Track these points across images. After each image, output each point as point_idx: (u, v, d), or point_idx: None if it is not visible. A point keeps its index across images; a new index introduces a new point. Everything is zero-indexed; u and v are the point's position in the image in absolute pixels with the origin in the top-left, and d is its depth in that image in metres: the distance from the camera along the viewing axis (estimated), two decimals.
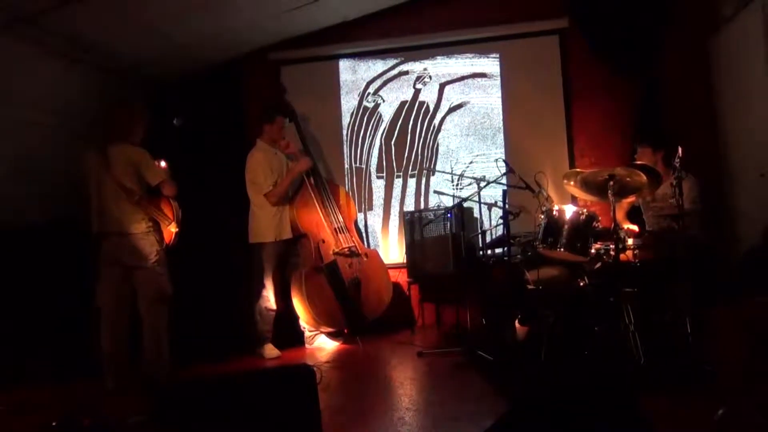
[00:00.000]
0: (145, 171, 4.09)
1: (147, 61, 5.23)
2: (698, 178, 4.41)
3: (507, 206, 4.27)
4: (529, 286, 4.16)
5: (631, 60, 5.53)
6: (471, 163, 5.94)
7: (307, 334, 5.14)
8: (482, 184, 4.72)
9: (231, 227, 5.19)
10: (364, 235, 6.00)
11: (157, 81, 5.65)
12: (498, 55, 5.92)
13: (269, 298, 4.89)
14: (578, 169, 4.36)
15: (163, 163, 4.28)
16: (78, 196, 4.21)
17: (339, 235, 5.15)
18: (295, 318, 5.08)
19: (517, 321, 4.41)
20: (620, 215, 4.68)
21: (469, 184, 5.69)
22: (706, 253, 4.21)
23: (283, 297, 5.05)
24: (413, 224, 5.46)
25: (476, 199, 4.68)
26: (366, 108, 6.12)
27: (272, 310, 4.91)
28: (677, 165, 3.62)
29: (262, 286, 4.87)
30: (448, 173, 5.84)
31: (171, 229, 4.19)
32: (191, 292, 4.79)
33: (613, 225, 3.74)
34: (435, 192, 5.69)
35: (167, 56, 5.32)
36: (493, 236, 5.13)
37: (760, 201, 4.40)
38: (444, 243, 5.27)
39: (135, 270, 4.06)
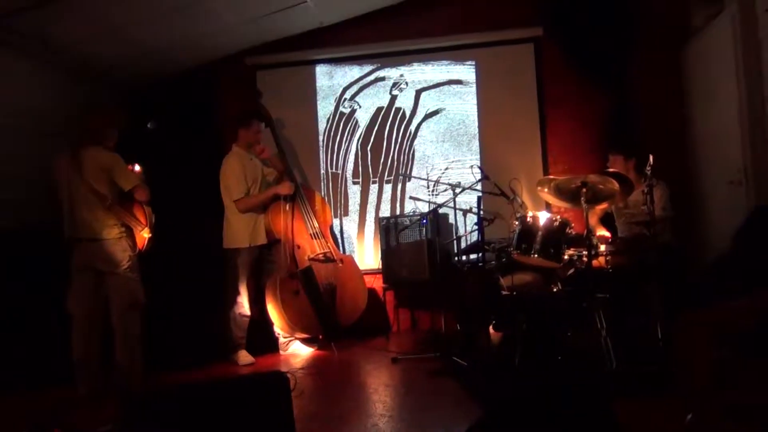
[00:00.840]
0: (118, 176, 4.04)
1: (121, 64, 5.17)
2: (669, 185, 4.49)
3: (482, 212, 4.29)
4: (503, 292, 4.18)
5: (603, 69, 5.61)
6: (446, 169, 5.96)
7: (281, 340, 5.11)
8: (457, 190, 4.74)
9: (205, 233, 5.14)
10: (339, 240, 5.99)
11: (132, 84, 5.59)
12: (474, 63, 5.97)
13: (243, 304, 4.85)
14: (552, 176, 4.41)
15: (137, 168, 4.23)
16: (49, 200, 4.14)
17: (314, 240, 5.13)
18: (270, 324, 5.04)
19: (491, 326, 4.44)
20: (593, 221, 4.75)
21: (445, 190, 5.72)
22: (677, 259, 4.28)
23: (257, 303, 5.01)
24: (389, 230, 5.47)
25: (451, 205, 4.70)
26: (342, 113, 6.11)
27: (246, 316, 4.87)
28: (648, 172, 3.69)
29: (236, 292, 4.83)
30: (423, 179, 5.86)
31: (144, 235, 4.14)
32: (165, 298, 4.74)
33: (585, 231, 3.79)
34: (411, 198, 5.71)
35: (141, 60, 5.27)
36: (468, 242, 5.15)
37: (728, 208, 4.49)
38: (419, 249, 5.28)
39: (107, 276, 4.00)
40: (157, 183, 4.34)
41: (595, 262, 3.92)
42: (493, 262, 4.51)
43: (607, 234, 4.58)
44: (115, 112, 4.26)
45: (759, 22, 4.10)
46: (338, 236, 6.01)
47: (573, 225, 4.14)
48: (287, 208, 4.99)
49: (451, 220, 5.18)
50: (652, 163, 3.69)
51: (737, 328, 2.07)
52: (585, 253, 3.83)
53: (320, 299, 4.95)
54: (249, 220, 4.89)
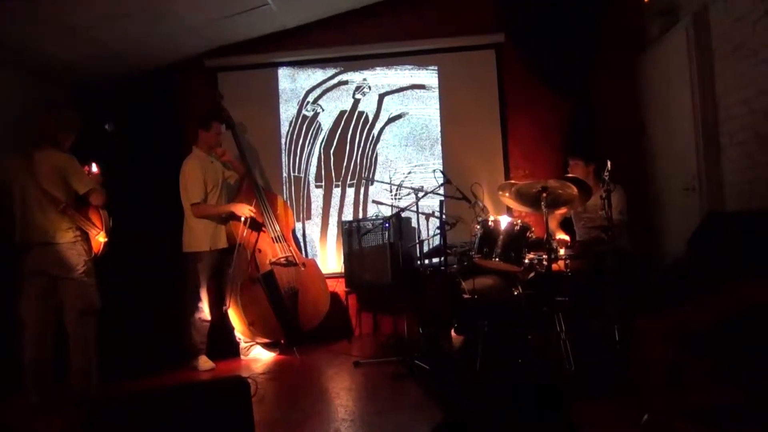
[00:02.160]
0: (73, 179, 3.93)
1: (80, 64, 5.06)
2: (626, 190, 4.59)
3: (444, 216, 4.32)
4: (465, 296, 4.21)
5: (564, 76, 5.72)
6: (409, 173, 5.99)
7: (242, 345, 5.05)
8: (420, 194, 4.76)
9: (164, 236, 5.06)
10: (302, 244, 5.96)
11: (90, 85, 5.46)
12: (436, 68, 6.01)
13: (203, 308, 4.78)
14: (513, 181, 4.47)
15: (94, 168, 4.12)
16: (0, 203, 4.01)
17: (276, 244, 5.09)
18: (231, 329, 4.98)
19: (453, 330, 4.46)
20: (553, 226, 4.82)
21: (407, 194, 5.74)
22: (634, 263, 4.38)
23: (217, 307, 4.95)
24: (351, 234, 5.46)
25: (414, 209, 4.72)
26: (305, 117, 6.08)
27: (206, 321, 4.81)
28: (606, 178, 3.77)
29: (197, 296, 4.76)
30: (386, 183, 5.87)
31: (99, 239, 4.04)
32: (122, 303, 4.66)
33: (546, 235, 3.84)
34: (373, 202, 5.70)
35: (100, 60, 5.16)
36: (430, 246, 5.17)
37: (684, 213, 4.61)
38: (382, 253, 5.29)
39: (61, 281, 3.89)
40: (115, 185, 4.24)
41: (554, 266, 3.97)
42: (455, 266, 4.54)
43: (567, 238, 4.65)
44: (69, 113, 4.15)
45: (712, 34, 4.23)
46: (300, 240, 5.97)
47: (534, 229, 4.19)
48: (245, 222, 4.91)
49: (414, 223, 5.20)
50: (610, 168, 3.77)
51: (691, 330, 2.13)
52: (545, 257, 3.88)
53: (282, 303, 4.91)
54: (209, 223, 4.83)
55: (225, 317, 4.91)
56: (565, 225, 4.97)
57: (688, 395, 2.05)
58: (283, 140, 6.08)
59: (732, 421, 1.84)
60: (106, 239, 4.06)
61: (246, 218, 4.87)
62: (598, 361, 3.68)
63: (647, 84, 5.32)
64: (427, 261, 5.09)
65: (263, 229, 5.07)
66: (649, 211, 5.25)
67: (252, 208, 4.93)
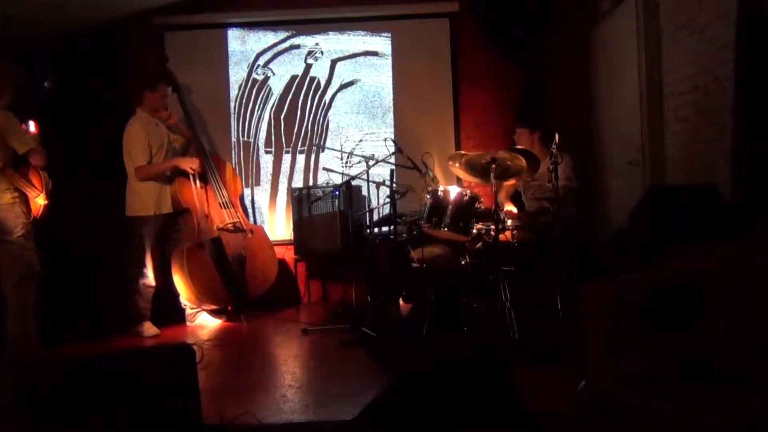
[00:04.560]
0: (12, 138, 3.76)
1: (17, 18, 4.79)
2: (573, 157, 4.65)
3: (394, 185, 4.33)
4: (414, 265, 4.25)
5: (518, 47, 5.75)
6: (360, 141, 5.96)
7: (188, 311, 4.99)
8: (371, 162, 4.75)
9: (107, 199, 4.92)
10: (250, 210, 5.89)
11: (29, 41, 5.19)
12: (390, 35, 5.95)
13: (148, 274, 4.68)
14: (463, 152, 4.50)
15: (32, 126, 3.95)
16: None
17: (223, 210, 5.02)
18: (176, 295, 4.91)
19: (401, 298, 4.51)
20: (502, 197, 4.89)
21: (358, 162, 5.72)
22: (579, 233, 4.49)
23: (163, 273, 4.86)
24: (301, 201, 5.42)
25: (365, 177, 4.71)
26: (255, 80, 5.96)
27: (151, 287, 4.72)
28: (554, 150, 3.83)
29: (141, 262, 4.66)
30: (337, 150, 5.83)
31: (39, 202, 3.89)
32: (64, 268, 4.53)
33: (494, 206, 3.90)
34: (324, 169, 5.68)
35: (39, 14, 4.90)
36: (380, 215, 5.19)
37: (628, 185, 4.74)
38: (331, 220, 5.28)
39: None
40: (55, 146, 4.08)
41: (501, 236, 4.04)
42: (405, 235, 4.57)
43: (515, 210, 4.73)
44: (6, 66, 3.95)
45: (661, 10, 4.30)
46: (249, 206, 5.90)
47: (482, 200, 4.25)
48: (192, 181, 4.83)
49: (364, 192, 5.20)
50: (557, 140, 3.83)
51: (628, 299, 2.21)
52: (493, 227, 3.94)
53: (229, 270, 4.87)
54: (154, 187, 4.71)
55: (170, 283, 4.83)
56: (516, 199, 5.04)
57: (625, 363, 2.13)
58: (232, 104, 5.95)
59: (665, 387, 1.93)
60: (46, 202, 3.92)
61: (193, 173, 4.78)
62: (542, 330, 3.79)
63: (597, 57, 5.39)
64: (376, 230, 5.11)
65: (209, 188, 4.97)
66: (596, 182, 5.37)
67: (197, 162, 4.84)
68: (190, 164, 4.81)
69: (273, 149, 5.97)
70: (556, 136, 3.83)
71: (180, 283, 4.79)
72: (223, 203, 5.02)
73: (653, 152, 4.41)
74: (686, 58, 3.99)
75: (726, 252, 2.13)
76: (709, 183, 3.41)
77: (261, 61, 5.96)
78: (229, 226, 5.00)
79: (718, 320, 1.97)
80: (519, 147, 4.34)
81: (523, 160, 3.95)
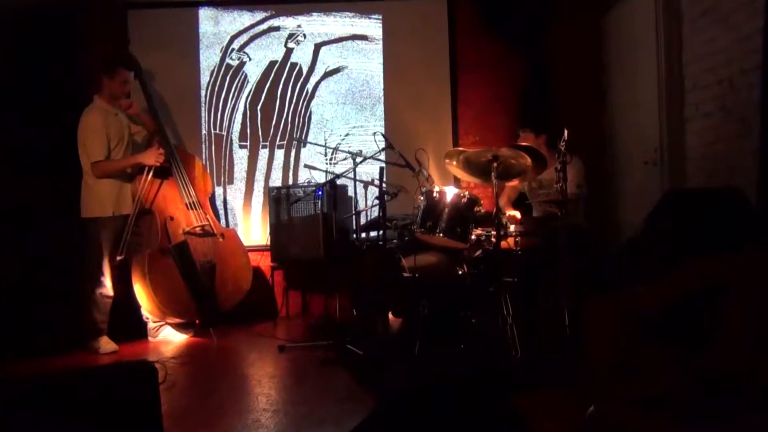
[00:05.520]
0: None
1: None
2: (584, 161, 4.71)
3: (384, 185, 4.34)
4: (405, 274, 4.26)
5: (522, 34, 5.78)
6: (347, 135, 5.98)
7: (150, 325, 4.98)
8: (358, 159, 4.76)
9: (60, 199, 4.91)
10: (221, 212, 5.88)
11: None
12: (380, 17, 5.98)
13: (105, 283, 4.67)
14: (461, 148, 4.52)
15: None
16: None
17: (190, 211, 5.01)
18: (137, 307, 4.90)
19: (390, 312, 4.52)
20: (504, 200, 4.92)
21: (344, 159, 5.73)
22: (588, 241, 4.53)
23: (122, 282, 4.85)
24: (279, 202, 5.42)
25: (351, 175, 4.72)
26: (229, 66, 5.96)
27: (109, 297, 4.70)
28: (562, 148, 3.85)
29: (98, 269, 4.64)
30: (320, 146, 5.84)
31: None
32: (11, 275, 4.53)
33: (495, 210, 3.92)
34: (305, 166, 5.68)
35: None
36: (368, 218, 5.20)
37: (643, 189, 4.78)
38: (313, 224, 5.29)
39: None
40: (2, 137, 4.07)
41: (503, 244, 4.06)
42: (395, 241, 4.58)
43: (518, 214, 4.75)
44: None
45: None
46: (220, 207, 5.90)
47: (482, 202, 4.27)
48: (154, 176, 4.83)
49: (351, 192, 5.22)
50: (566, 138, 3.85)
51: (642, 312, 2.23)
52: (494, 233, 3.96)
53: (196, 279, 4.86)
54: (113, 185, 4.70)
55: (130, 293, 4.82)
56: (519, 203, 5.06)
57: (637, 385, 2.15)
58: (202, 92, 5.95)
59: (681, 408, 1.95)
60: None
61: (157, 166, 4.80)
62: (547, 348, 3.81)
63: (611, 46, 5.45)
64: (364, 234, 5.12)
65: (175, 186, 4.96)
66: (607, 185, 5.42)
67: (162, 152, 4.84)
68: (156, 158, 4.80)
69: (248, 143, 5.97)
70: (565, 133, 3.86)
71: (141, 293, 4.78)
72: (190, 203, 5.01)
73: (672, 151, 4.46)
74: (709, 48, 4.04)
75: (751, 262, 2.16)
76: (734, 186, 3.44)
77: (236, 45, 5.97)
78: (197, 229, 4.99)
79: (741, 337, 2.00)
80: (523, 143, 4.36)
81: (528, 159, 3.98)
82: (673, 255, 2.57)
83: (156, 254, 4.78)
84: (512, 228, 4.21)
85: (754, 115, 3.43)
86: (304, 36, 5.99)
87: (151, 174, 4.82)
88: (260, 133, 5.97)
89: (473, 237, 4.12)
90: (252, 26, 5.98)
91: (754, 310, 2.01)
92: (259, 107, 5.97)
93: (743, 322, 2.01)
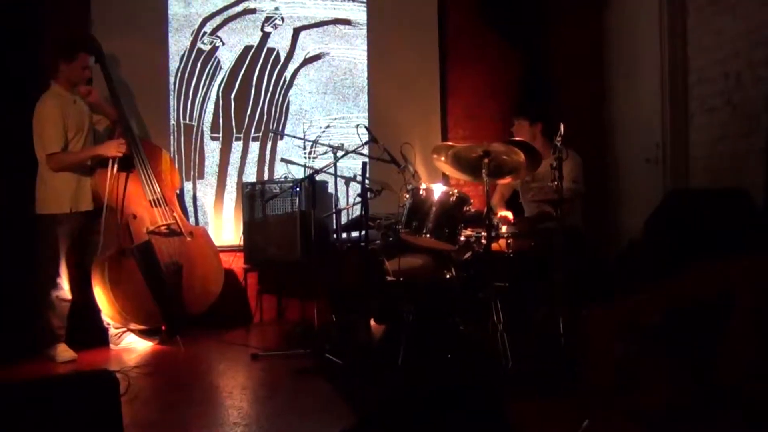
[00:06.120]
0: None
1: None
2: (582, 157, 4.72)
3: (367, 182, 4.34)
4: (389, 278, 4.27)
5: (519, 22, 5.83)
6: (327, 127, 5.97)
7: (112, 331, 4.95)
8: (339, 153, 4.75)
9: (12, 193, 4.89)
10: (190, 209, 5.86)
11: None
12: (365, 0, 5.98)
13: (63, 285, 4.64)
14: (450, 143, 4.53)
15: None
16: None
17: (155, 208, 4.98)
18: (97, 311, 4.87)
19: (372, 318, 4.52)
20: (496, 199, 4.94)
21: (324, 153, 5.73)
22: (585, 244, 4.55)
23: (81, 284, 4.82)
24: (254, 198, 5.41)
25: (332, 171, 4.71)
26: (201, 51, 5.94)
27: (66, 301, 4.67)
28: (558, 144, 3.87)
29: (54, 270, 4.61)
30: (299, 138, 5.84)
31: None
32: None
33: (486, 209, 3.93)
34: (282, 160, 5.68)
35: None
36: (350, 217, 5.20)
37: (644, 188, 4.82)
38: (290, 223, 5.28)
39: None
40: None
41: (494, 246, 4.08)
42: (378, 242, 4.58)
43: (510, 215, 4.77)
44: None
45: None
46: (189, 204, 5.88)
47: (472, 201, 4.28)
48: (117, 169, 4.81)
49: (331, 189, 5.21)
50: (562, 133, 3.87)
51: (643, 322, 2.25)
52: (484, 234, 3.97)
53: (162, 282, 4.84)
54: (71, 179, 4.67)
55: (90, 296, 4.79)
56: (511, 203, 5.08)
57: (637, 395, 2.17)
58: (171, 79, 5.91)
59: (684, 424, 1.97)
60: None
61: (119, 156, 4.78)
62: (540, 357, 3.83)
63: (612, 37, 5.48)
64: (344, 235, 5.12)
65: (138, 181, 4.94)
66: (606, 183, 5.46)
67: (123, 143, 4.82)
68: (116, 149, 4.78)
69: (221, 135, 5.95)
70: (561, 127, 3.88)
71: (101, 297, 4.75)
72: (154, 200, 4.98)
73: (675, 149, 4.50)
74: (716, 39, 4.08)
75: (757, 267, 2.19)
76: (739, 186, 3.49)
77: (208, 28, 5.94)
78: (163, 228, 4.97)
79: (746, 345, 2.02)
80: (517, 139, 4.38)
81: (522, 155, 3.99)
82: (675, 260, 2.59)
83: (117, 255, 4.75)
84: (504, 229, 4.23)
85: (762, 112, 3.47)
86: (282, 19, 5.98)
87: (116, 167, 4.79)
88: (234, 124, 5.95)
89: (462, 238, 4.13)
90: (226, 8, 5.95)
91: (762, 318, 2.04)
92: (232, 96, 5.95)
93: (749, 331, 2.04)
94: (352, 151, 4.80)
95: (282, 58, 5.98)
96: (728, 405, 1.95)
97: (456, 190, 4.20)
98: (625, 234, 5.08)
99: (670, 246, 2.96)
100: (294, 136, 5.84)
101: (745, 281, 2.11)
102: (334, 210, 4.96)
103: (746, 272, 2.15)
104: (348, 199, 5.12)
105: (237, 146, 5.96)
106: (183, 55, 5.93)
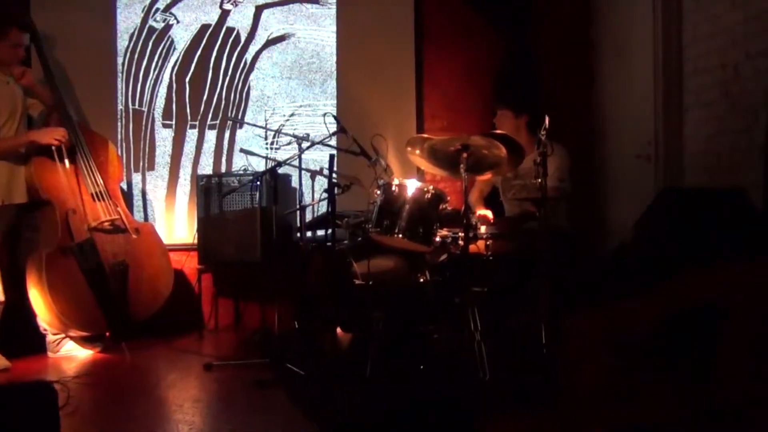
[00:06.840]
0: None
1: None
2: (569, 153, 4.74)
3: (334, 176, 4.34)
4: (357, 282, 4.27)
5: (503, 4, 5.85)
6: (292, 115, 5.97)
7: (50, 338, 4.91)
8: (305, 144, 4.75)
9: None
10: (139, 203, 5.83)
11: None
12: None
13: None
14: (426, 135, 4.54)
15: None
16: None
17: (97, 203, 4.94)
18: (33, 315, 4.82)
19: (338, 326, 4.52)
20: (475, 197, 4.96)
21: (288, 144, 5.73)
22: (571, 247, 4.59)
23: (14, 285, 4.77)
24: (209, 192, 5.40)
25: (295, 164, 4.71)
26: (153, 29, 5.90)
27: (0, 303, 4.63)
28: (542, 137, 3.89)
29: None
30: (260, 127, 5.83)
31: None
32: None
33: (464, 208, 3.95)
34: (241, 151, 5.63)
35: None
36: (315, 214, 5.19)
37: (635, 186, 4.87)
38: (250, 220, 5.27)
39: None
40: None
41: (472, 247, 4.10)
42: (346, 242, 4.58)
43: (489, 214, 4.79)
44: None
45: None
46: (137, 197, 5.85)
47: (449, 199, 4.29)
48: (57, 158, 4.77)
49: (295, 183, 5.20)
50: (547, 126, 3.88)
51: (631, 331, 2.27)
52: (461, 235, 3.99)
53: (104, 283, 4.81)
54: (3, 168, 4.62)
55: (25, 299, 4.74)
56: (492, 200, 5.10)
57: (622, 411, 2.19)
58: (119, 60, 5.87)
59: None
60: None
61: (58, 146, 4.73)
62: (520, 369, 3.86)
63: (602, 23, 5.53)
64: (309, 233, 5.11)
65: (78, 172, 4.90)
66: (594, 181, 5.50)
67: (63, 132, 4.78)
68: (54, 136, 4.72)
69: (174, 122, 5.92)
70: (546, 120, 3.90)
71: (38, 299, 4.70)
72: (96, 193, 4.94)
73: (668, 144, 4.56)
74: (713, 27, 4.13)
75: (755, 272, 2.22)
76: (737, 186, 3.54)
77: (161, 4, 5.92)
78: (106, 224, 4.93)
79: (743, 359, 2.05)
80: (499, 132, 4.40)
81: (504, 149, 4.01)
82: (667, 264, 2.62)
83: (55, 254, 4.71)
84: (483, 229, 4.25)
85: (761, 106, 3.52)
86: None
87: (66, 160, 4.74)
88: (188, 111, 5.93)
89: (437, 239, 4.14)
90: None
91: (760, 329, 2.06)
92: (187, 80, 5.93)
93: (747, 343, 2.06)
94: (318, 142, 4.80)
95: (242, 39, 5.97)
96: (724, 427, 1.97)
97: (431, 187, 4.22)
98: (614, 236, 5.12)
99: (662, 248, 3.00)
100: (255, 125, 5.83)
101: (744, 288, 2.14)
102: (298, 206, 4.95)
103: (745, 278, 2.17)
104: (313, 195, 5.12)
105: (191, 135, 5.94)
106: (132, 34, 5.89)
